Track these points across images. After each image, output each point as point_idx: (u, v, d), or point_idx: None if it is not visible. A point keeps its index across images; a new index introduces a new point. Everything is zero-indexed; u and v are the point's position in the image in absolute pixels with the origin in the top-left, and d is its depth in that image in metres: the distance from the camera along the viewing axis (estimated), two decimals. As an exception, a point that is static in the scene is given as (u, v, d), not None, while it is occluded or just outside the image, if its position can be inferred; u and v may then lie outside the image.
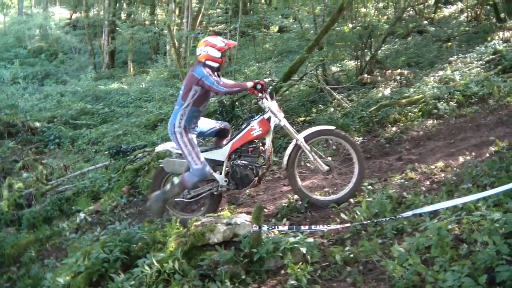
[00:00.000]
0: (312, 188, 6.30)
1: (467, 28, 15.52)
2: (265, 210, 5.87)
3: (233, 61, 11.54)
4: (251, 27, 13.64)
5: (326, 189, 6.19)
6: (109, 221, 7.27)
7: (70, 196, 9.12)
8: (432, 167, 6.09)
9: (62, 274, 4.53)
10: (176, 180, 5.72)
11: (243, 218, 4.63)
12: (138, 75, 24.37)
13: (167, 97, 16.82)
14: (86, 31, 28.94)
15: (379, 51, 13.02)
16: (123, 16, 29.68)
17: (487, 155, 6.00)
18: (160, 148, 6.37)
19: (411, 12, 15.91)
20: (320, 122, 8.69)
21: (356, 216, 4.76)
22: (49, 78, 25.14)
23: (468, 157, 6.09)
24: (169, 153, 6.45)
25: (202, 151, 5.75)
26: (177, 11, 25.64)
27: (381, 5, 15.09)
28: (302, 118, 9.75)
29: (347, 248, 4.21)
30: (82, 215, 7.88)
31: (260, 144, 5.81)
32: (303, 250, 4.09)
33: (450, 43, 13.73)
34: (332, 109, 9.97)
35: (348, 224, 4.52)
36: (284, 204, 5.96)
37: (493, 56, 11.04)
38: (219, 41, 5.72)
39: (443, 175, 5.75)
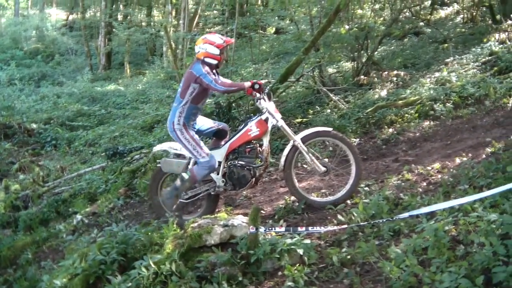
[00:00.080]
0: (309, 190, 6.30)
1: (463, 30, 15.56)
2: (262, 211, 5.88)
3: (229, 62, 11.52)
4: (248, 28, 13.60)
5: (323, 191, 6.20)
6: (106, 223, 7.25)
7: (66, 198, 9.10)
8: (429, 168, 6.10)
9: (59, 276, 4.52)
10: (185, 175, 5.72)
11: (240, 220, 4.63)
12: (135, 76, 24.36)
13: (163, 99, 16.80)
14: (83, 32, 28.88)
15: (376, 53, 13.03)
16: (119, 17, 29.63)
17: (484, 156, 6.01)
18: (157, 148, 6.37)
19: (407, 13, 15.93)
20: (316, 124, 8.70)
21: (353, 218, 4.77)
22: (45, 80, 25.11)
23: (464, 158, 6.10)
24: (166, 154, 6.46)
25: None
26: (173, 13, 25.61)
27: (377, 6, 15.08)
28: (299, 120, 9.75)
29: (344, 250, 4.21)
30: (78, 217, 7.86)
31: (258, 145, 5.81)
32: (300, 251, 4.09)
33: (446, 45, 13.76)
34: (328, 111, 9.98)
35: (345, 226, 4.53)
36: (281, 206, 5.96)
37: (489, 58, 11.06)
38: (218, 38, 5.73)
39: (439, 176, 5.76)
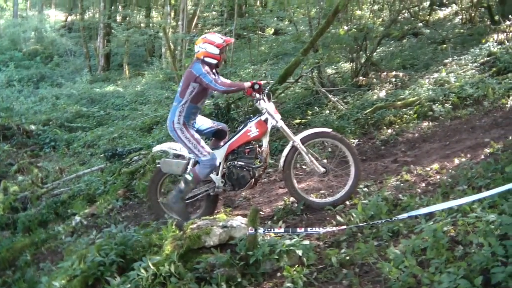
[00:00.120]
0: (308, 191, 6.30)
1: (461, 30, 15.58)
2: (261, 212, 5.87)
3: (228, 63, 11.53)
4: (247, 29, 13.64)
5: (322, 191, 6.20)
6: (104, 224, 7.25)
7: (65, 199, 9.09)
8: (428, 169, 6.11)
9: (58, 278, 4.51)
10: (188, 177, 5.71)
11: (239, 221, 4.63)
12: (134, 77, 24.35)
13: (162, 100, 16.81)
14: (82, 33, 28.88)
15: (374, 53, 13.05)
16: (118, 18, 29.63)
17: (482, 157, 6.02)
18: (157, 148, 6.37)
19: (406, 14, 15.95)
20: (315, 125, 8.69)
21: (352, 219, 4.77)
22: (44, 81, 25.08)
23: (463, 159, 6.11)
24: (165, 154, 6.45)
25: None
26: (172, 14, 25.65)
27: (376, 7, 15.12)
28: (298, 121, 9.76)
29: (343, 251, 4.21)
30: (77, 218, 7.85)
31: (257, 145, 5.81)
32: (299, 252, 4.09)
33: (445, 45, 13.77)
34: (327, 112, 9.98)
35: (344, 227, 4.53)
36: (280, 207, 5.96)
37: (488, 58, 11.08)
38: (218, 38, 5.73)
39: (438, 177, 5.76)
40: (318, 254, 4.31)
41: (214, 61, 5.69)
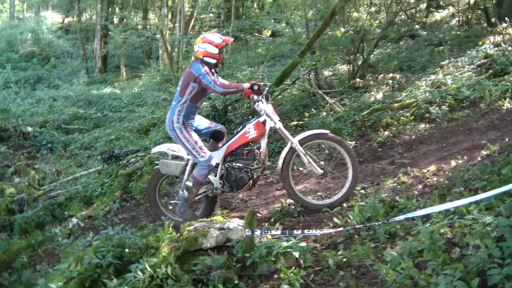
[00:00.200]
0: (305, 192, 6.30)
1: (458, 33, 15.61)
2: (258, 214, 5.87)
3: (225, 65, 11.53)
4: (244, 31, 13.63)
5: (319, 193, 6.20)
6: (101, 226, 7.24)
7: (62, 201, 9.08)
8: (425, 171, 6.11)
9: (55, 280, 4.50)
10: (189, 183, 5.74)
11: (236, 223, 4.62)
12: (131, 79, 24.37)
13: (159, 102, 16.82)
14: (79, 35, 28.86)
15: (371, 55, 13.07)
16: (115, 20, 29.67)
17: (479, 158, 6.03)
18: (156, 149, 6.38)
19: (403, 16, 15.99)
20: (312, 127, 8.70)
21: (349, 220, 4.77)
22: (41, 83, 25.06)
23: (460, 161, 6.12)
24: (164, 155, 6.45)
25: None
26: (169, 16, 25.66)
27: (373, 9, 15.13)
28: (295, 123, 9.76)
29: (340, 252, 4.21)
30: (74, 220, 7.84)
31: (255, 147, 5.81)
32: (296, 254, 4.09)
33: (441, 47, 13.80)
34: (324, 114, 10.00)
35: (341, 229, 4.53)
36: (277, 209, 5.96)
37: (484, 60, 11.11)
38: (217, 37, 5.74)
39: (435, 179, 5.77)
40: (315, 256, 4.31)
41: (213, 61, 5.70)
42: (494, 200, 4.07)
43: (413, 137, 8.28)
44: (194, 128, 5.85)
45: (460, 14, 17.46)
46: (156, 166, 6.23)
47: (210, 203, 6.16)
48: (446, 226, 3.89)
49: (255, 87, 5.72)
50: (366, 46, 12.45)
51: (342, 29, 12.53)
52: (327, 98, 10.53)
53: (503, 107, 8.48)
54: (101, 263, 4.38)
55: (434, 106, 8.99)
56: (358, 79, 11.69)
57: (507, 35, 12.50)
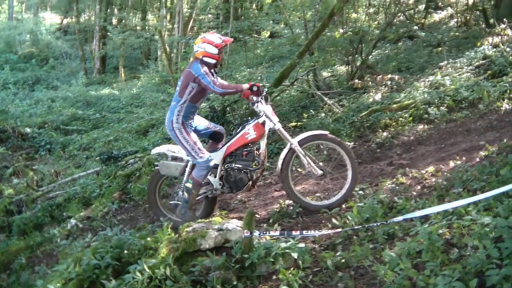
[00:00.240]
0: (303, 193, 6.30)
1: (457, 34, 15.62)
2: (256, 215, 5.87)
3: (224, 66, 11.53)
4: (242, 32, 13.65)
5: (318, 194, 6.20)
6: (100, 227, 7.24)
7: (61, 202, 9.07)
8: (423, 171, 6.12)
9: (53, 281, 4.50)
10: (188, 184, 5.75)
11: (234, 224, 4.62)
12: (129, 80, 24.36)
13: (158, 103, 16.81)
14: (77, 36, 28.86)
15: (370, 56, 13.07)
16: (114, 21, 29.65)
17: (477, 159, 6.03)
18: (156, 150, 6.38)
19: (401, 17, 16.00)
20: (311, 127, 8.70)
21: (348, 221, 4.77)
22: (39, 84, 25.04)
23: (458, 162, 6.12)
24: (163, 156, 6.46)
25: None
26: (168, 17, 25.64)
27: (371, 10, 15.16)
28: (294, 124, 9.76)
29: (338, 253, 4.21)
30: (73, 221, 7.84)
31: (255, 148, 5.82)
32: (295, 255, 4.09)
33: (440, 48, 13.81)
34: (323, 114, 10.00)
35: (340, 229, 4.53)
36: (275, 210, 5.96)
37: (483, 61, 11.11)
38: (216, 37, 5.74)
39: (433, 179, 5.77)
40: (313, 257, 4.31)
41: (213, 61, 5.71)
42: (492, 201, 4.07)
43: (412, 138, 8.29)
44: (193, 128, 5.86)
45: (458, 15, 17.48)
46: (156, 167, 6.24)
47: (210, 203, 6.16)
48: (444, 227, 3.89)
49: (254, 88, 5.72)
50: (364, 47, 12.46)
51: (341, 30, 12.54)
52: (325, 99, 10.53)
53: (501, 108, 8.49)
54: (99, 264, 4.38)
55: (432, 107, 8.99)
56: (356, 80, 11.69)
57: (506, 36, 12.51)
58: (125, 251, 4.59)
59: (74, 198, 9.08)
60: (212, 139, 6.19)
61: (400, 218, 4.05)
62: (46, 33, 33.62)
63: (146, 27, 29.29)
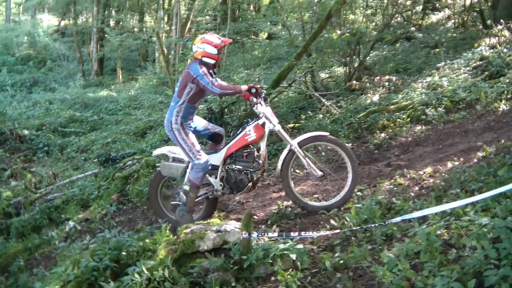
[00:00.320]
0: (302, 194, 6.30)
1: (454, 35, 15.64)
2: (254, 217, 5.88)
3: (222, 67, 11.54)
4: (240, 34, 13.65)
5: (316, 196, 6.20)
6: (98, 229, 7.23)
7: (59, 205, 9.08)
8: (421, 172, 6.12)
9: (51, 283, 4.49)
10: (186, 187, 5.76)
11: (233, 225, 4.62)
12: (127, 82, 24.37)
13: (156, 104, 16.82)
14: (75, 38, 28.88)
15: (368, 58, 13.09)
16: (111, 23, 29.68)
17: (475, 160, 6.03)
18: (157, 152, 6.39)
19: (399, 18, 16.02)
20: (309, 129, 8.72)
21: (346, 222, 4.77)
22: (37, 86, 25.05)
23: (456, 163, 6.13)
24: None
25: None
26: (165, 18, 25.66)
27: (369, 12, 15.15)
28: (291, 125, 9.77)
29: (337, 254, 4.21)
30: (71, 223, 7.84)
31: (255, 149, 5.82)
32: (293, 256, 4.08)
33: (437, 50, 13.83)
34: (321, 116, 10.01)
35: (338, 231, 4.53)
36: (273, 211, 5.96)
37: (480, 62, 11.12)
38: (216, 38, 5.75)
39: (431, 180, 5.78)
40: (312, 258, 4.31)
41: (212, 61, 5.71)
42: (490, 201, 4.08)
43: (410, 139, 8.29)
44: (192, 129, 5.86)
45: (455, 16, 17.50)
46: (158, 168, 6.26)
47: (211, 204, 6.19)
48: (442, 227, 3.89)
49: (253, 90, 5.71)
50: (362, 48, 12.47)
51: (338, 32, 12.54)
52: (323, 100, 10.54)
53: (498, 108, 8.50)
54: (98, 266, 4.37)
55: (430, 108, 9.00)
56: (354, 81, 11.70)
57: (503, 37, 12.53)
58: (124, 253, 4.58)
59: (72, 200, 9.08)
60: (211, 140, 6.21)
61: (398, 219, 4.05)
62: (44, 35, 33.61)
63: (144, 29, 29.30)
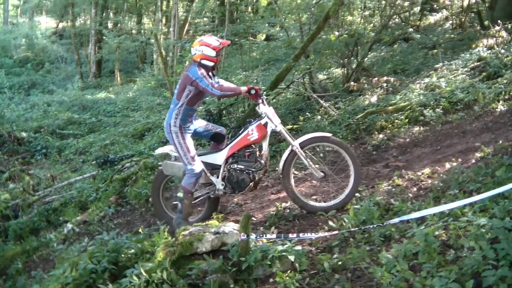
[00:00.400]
0: (305, 195, 6.29)
1: (452, 36, 15.66)
2: (253, 218, 5.87)
3: (220, 69, 11.54)
4: (238, 35, 13.65)
5: (319, 196, 6.19)
6: (97, 231, 7.23)
7: (57, 207, 9.06)
8: (419, 173, 6.13)
9: (50, 286, 4.48)
10: (180, 194, 5.77)
11: (231, 227, 4.62)
12: (125, 84, 24.37)
13: (154, 106, 16.83)
14: (73, 40, 28.86)
15: (366, 59, 13.10)
16: (109, 25, 29.70)
17: (473, 161, 6.04)
18: (159, 151, 6.41)
19: (397, 20, 16.04)
20: (307, 130, 8.72)
21: (344, 224, 4.77)
22: (35, 88, 25.03)
23: (454, 164, 6.13)
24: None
25: (200, 155, 5.88)
26: (164, 20, 25.66)
27: (367, 13, 15.17)
28: (290, 126, 9.77)
29: (335, 256, 4.20)
30: (69, 225, 7.83)
31: (257, 149, 5.83)
32: (292, 258, 4.08)
33: (435, 50, 13.84)
34: (319, 117, 10.01)
35: (336, 232, 4.52)
36: (272, 213, 5.96)
37: (478, 63, 11.13)
38: (214, 40, 5.75)
39: (430, 181, 5.78)
40: (310, 259, 4.30)
41: (211, 63, 5.72)
42: (488, 202, 4.08)
43: (408, 140, 8.30)
44: (192, 131, 5.86)
45: (453, 17, 17.51)
46: (160, 167, 6.27)
47: (213, 204, 6.21)
48: (440, 228, 3.89)
49: (252, 92, 5.72)
50: (360, 49, 12.49)
51: (336, 33, 12.54)
52: (321, 101, 10.55)
53: (496, 109, 8.51)
54: (96, 269, 4.36)
55: (428, 109, 9.00)
56: (352, 83, 11.71)
57: (500, 38, 12.55)
58: (122, 255, 4.58)
59: (70, 202, 9.07)
60: (213, 140, 6.23)
61: (396, 220, 4.05)
62: (42, 37, 33.63)
63: (142, 31, 29.28)
